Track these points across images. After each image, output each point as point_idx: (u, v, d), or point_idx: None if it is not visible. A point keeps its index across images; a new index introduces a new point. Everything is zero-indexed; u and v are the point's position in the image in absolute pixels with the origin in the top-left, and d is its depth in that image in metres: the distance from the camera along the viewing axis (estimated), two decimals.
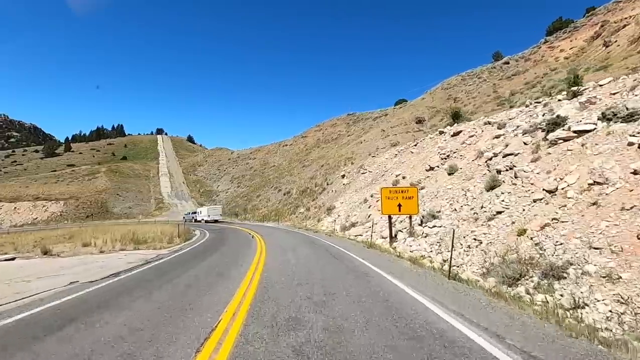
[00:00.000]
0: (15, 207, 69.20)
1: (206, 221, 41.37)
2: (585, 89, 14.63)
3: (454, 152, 19.08)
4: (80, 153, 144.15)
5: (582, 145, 9.38)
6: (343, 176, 33.26)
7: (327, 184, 35.08)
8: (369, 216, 20.39)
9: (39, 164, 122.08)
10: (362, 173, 29.72)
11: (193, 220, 44.33)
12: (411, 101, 67.59)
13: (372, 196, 23.54)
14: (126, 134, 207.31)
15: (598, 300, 5.06)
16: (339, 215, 24.20)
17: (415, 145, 26.47)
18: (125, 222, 49.88)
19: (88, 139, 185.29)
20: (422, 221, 13.30)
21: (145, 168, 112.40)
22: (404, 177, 22.55)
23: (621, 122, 8.71)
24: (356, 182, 29.38)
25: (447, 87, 57.59)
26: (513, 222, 8.80)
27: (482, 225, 10.03)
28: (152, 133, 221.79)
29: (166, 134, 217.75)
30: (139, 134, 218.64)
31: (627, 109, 8.71)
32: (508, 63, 59.80)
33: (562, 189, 8.44)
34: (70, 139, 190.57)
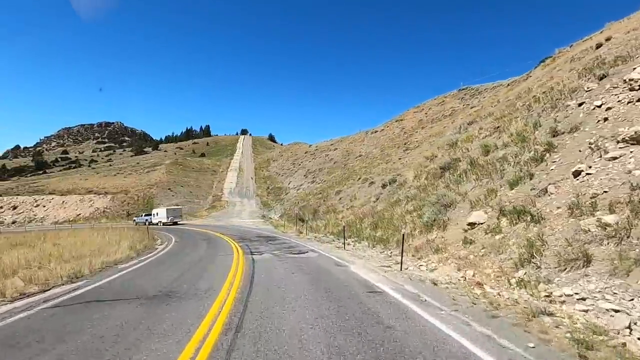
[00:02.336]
0: (63, 201, 60.47)
1: (164, 223, 37.20)
2: None
3: None
4: (165, 151, 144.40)
5: None
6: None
7: (560, 132, 10.36)
8: None
9: (125, 160, 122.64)
10: None
11: (146, 224, 35.68)
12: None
13: None
14: (212, 134, 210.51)
15: None
16: None
17: None
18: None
19: (178, 140, 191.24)
20: None
21: (216, 163, 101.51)
22: None
23: None
24: None
25: None
26: None
27: None
28: (236, 134, 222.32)
29: (250, 134, 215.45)
30: (225, 134, 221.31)
31: None
32: None
33: None
34: (163, 139, 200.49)
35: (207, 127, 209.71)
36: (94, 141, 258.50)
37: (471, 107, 53.82)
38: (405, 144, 54.86)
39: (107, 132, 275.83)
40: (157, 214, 40.15)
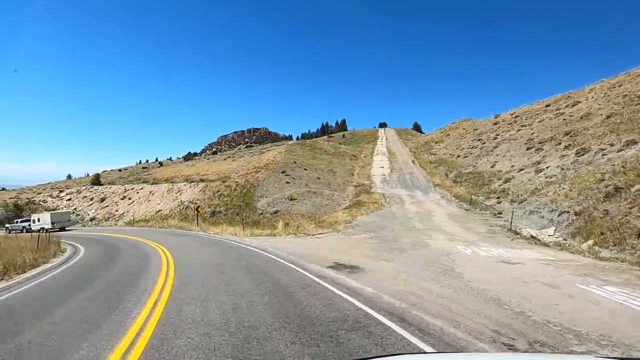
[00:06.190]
0: (151, 192, 42.53)
1: (47, 230, 30.26)
2: None
3: None
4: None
5: None
6: None
7: None
8: None
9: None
10: None
11: (24, 230, 33.06)
12: None
13: None
14: (348, 128, 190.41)
15: None
16: None
17: None
18: None
19: (313, 136, 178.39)
20: None
21: (356, 149, 74.37)
22: None
23: None
24: None
25: None
26: None
27: None
28: (374, 127, 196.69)
29: (389, 127, 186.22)
30: (362, 128, 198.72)
31: None
32: None
33: None
34: (300, 137, 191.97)
35: (343, 121, 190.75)
36: (244, 146, 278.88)
37: None
38: None
39: (254, 136, 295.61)
40: (37, 219, 34.94)
